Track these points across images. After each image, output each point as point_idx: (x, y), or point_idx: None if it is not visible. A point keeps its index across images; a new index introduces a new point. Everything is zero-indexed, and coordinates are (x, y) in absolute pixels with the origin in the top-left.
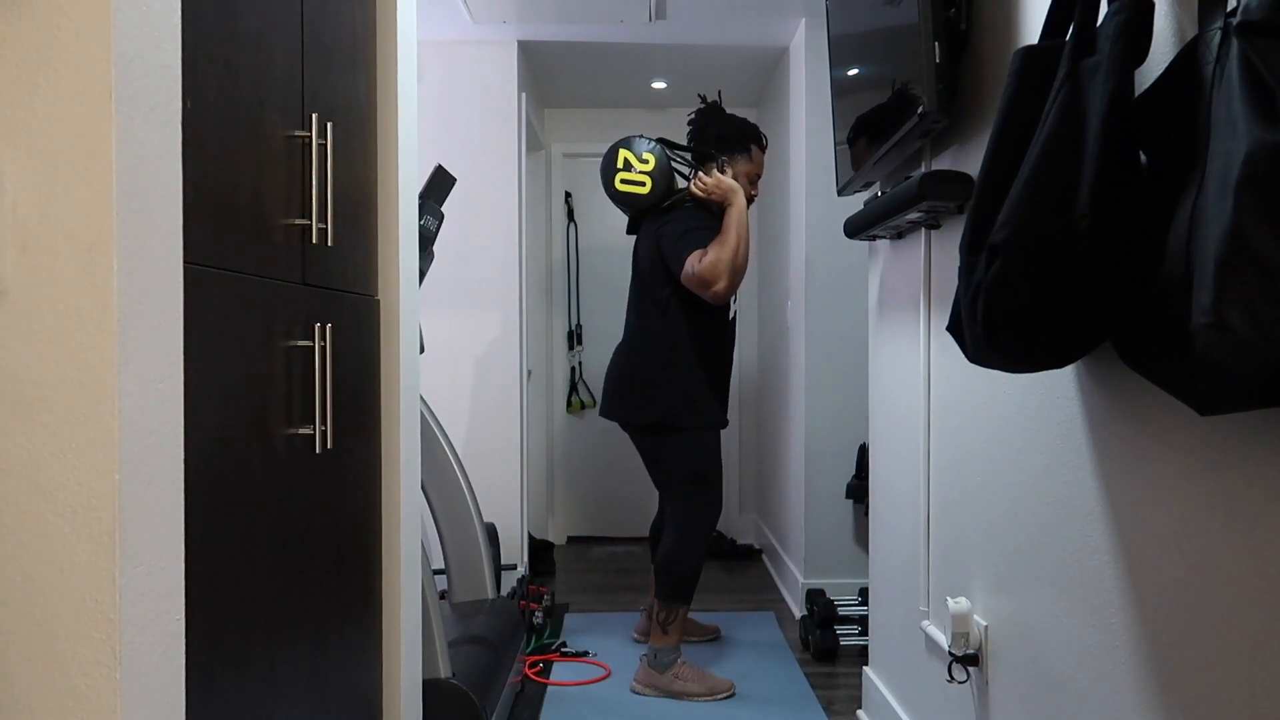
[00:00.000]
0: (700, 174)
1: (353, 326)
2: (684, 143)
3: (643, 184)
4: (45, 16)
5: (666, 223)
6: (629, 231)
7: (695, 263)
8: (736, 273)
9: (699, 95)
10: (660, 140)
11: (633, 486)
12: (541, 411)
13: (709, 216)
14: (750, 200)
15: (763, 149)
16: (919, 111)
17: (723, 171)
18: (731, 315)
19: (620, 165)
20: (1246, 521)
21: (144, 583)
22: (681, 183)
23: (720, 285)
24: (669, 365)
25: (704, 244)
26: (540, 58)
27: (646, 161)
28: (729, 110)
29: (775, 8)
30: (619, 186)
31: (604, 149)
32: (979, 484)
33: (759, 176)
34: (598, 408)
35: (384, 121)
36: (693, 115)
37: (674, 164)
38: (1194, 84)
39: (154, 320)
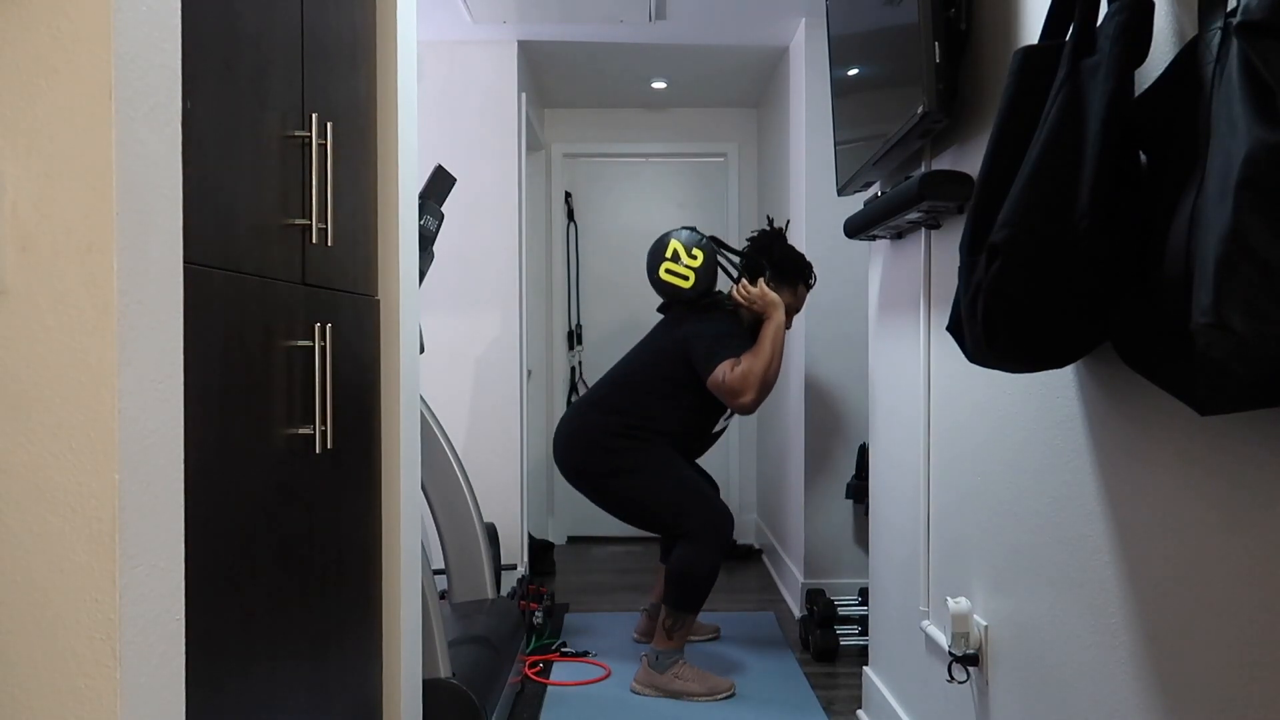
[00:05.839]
0: (745, 282)
1: (353, 326)
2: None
3: (686, 278)
4: (45, 17)
5: (701, 322)
6: (660, 310)
7: (727, 371)
8: (766, 387)
9: (768, 217)
10: (712, 238)
11: None
12: (541, 411)
13: (741, 325)
14: (786, 328)
15: (809, 288)
16: (919, 111)
17: (769, 285)
18: (718, 429)
19: (669, 255)
20: (1246, 521)
21: (144, 583)
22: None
23: (748, 398)
24: (635, 436)
25: (736, 353)
26: (540, 58)
27: (695, 257)
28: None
29: (775, 8)
30: (663, 275)
31: (604, 149)
32: (979, 483)
33: (798, 312)
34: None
35: (384, 121)
36: (755, 234)
37: (721, 264)
38: (1194, 84)
39: (154, 320)
